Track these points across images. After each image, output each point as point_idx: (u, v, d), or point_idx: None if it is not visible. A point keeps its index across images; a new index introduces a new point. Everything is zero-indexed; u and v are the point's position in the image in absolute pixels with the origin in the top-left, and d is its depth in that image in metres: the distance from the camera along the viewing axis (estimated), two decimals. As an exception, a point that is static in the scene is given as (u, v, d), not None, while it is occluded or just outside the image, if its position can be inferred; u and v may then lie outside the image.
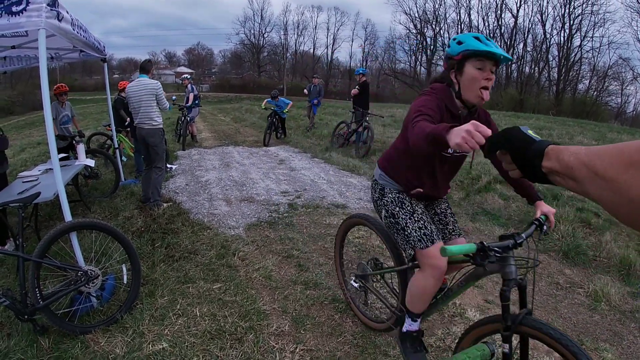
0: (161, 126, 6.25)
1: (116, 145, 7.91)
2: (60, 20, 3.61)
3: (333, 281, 3.96)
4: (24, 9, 3.19)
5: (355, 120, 11.32)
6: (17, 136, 19.79)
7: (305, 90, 15.40)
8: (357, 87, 11.42)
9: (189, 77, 13.12)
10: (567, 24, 54.38)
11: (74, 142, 6.77)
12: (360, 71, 11.87)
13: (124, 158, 8.92)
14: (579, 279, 4.48)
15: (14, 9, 3.16)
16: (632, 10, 46.90)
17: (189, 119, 12.13)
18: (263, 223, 5.61)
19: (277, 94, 13.57)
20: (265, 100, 13.69)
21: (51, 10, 3.37)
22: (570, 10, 53.75)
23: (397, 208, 2.56)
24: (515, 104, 48.45)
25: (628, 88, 53.07)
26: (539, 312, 3.76)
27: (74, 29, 4.18)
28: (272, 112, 13.14)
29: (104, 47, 6.38)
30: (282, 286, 3.86)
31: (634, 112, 55.29)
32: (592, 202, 6.47)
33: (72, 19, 4.05)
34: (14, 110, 44.08)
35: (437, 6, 67.34)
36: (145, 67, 6.40)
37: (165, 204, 6.32)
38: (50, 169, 5.42)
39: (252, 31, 79.11)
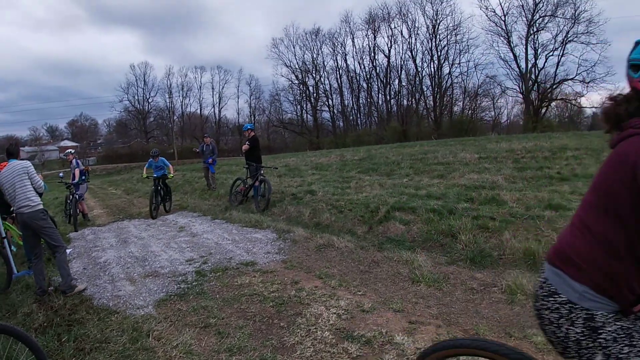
0: (41, 206, 5.83)
1: (3, 235, 7.27)
2: None
3: (257, 341, 3.87)
4: None
5: (250, 175, 11.39)
6: None
7: (196, 150, 15.29)
8: (247, 142, 11.55)
9: (72, 151, 12.48)
10: (436, 56, 60.39)
11: None
12: (248, 127, 12.06)
13: (13, 248, 8.19)
14: (491, 279, 4.81)
15: None
16: (492, 33, 53.22)
17: (77, 196, 11.48)
18: (173, 296, 5.37)
19: (157, 152, 12.50)
20: (145, 166, 12.74)
21: None
22: (437, 43, 59.56)
23: (627, 348, 1.49)
24: (399, 135, 51.62)
25: (499, 101, 60.33)
26: (463, 318, 3.95)
27: None
28: (155, 178, 11.95)
29: None
30: (206, 358, 3.71)
31: (508, 121, 62.92)
32: (485, 208, 7.03)
33: None
34: None
35: (315, 56, 70.51)
36: (12, 151, 6.01)
37: (80, 286, 5.92)
38: None
39: (136, 97, 77.38)
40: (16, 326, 3.22)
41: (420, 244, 6.41)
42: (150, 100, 78.10)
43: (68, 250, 8.20)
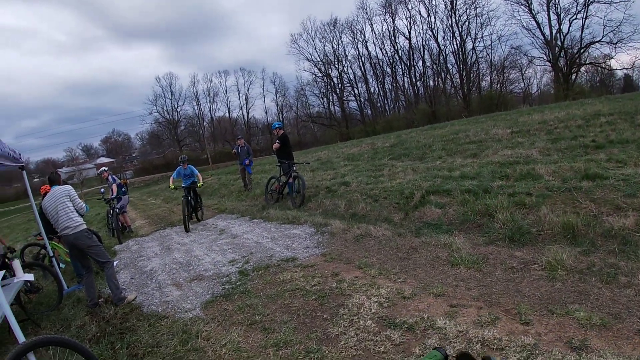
0: (84, 226, 6.10)
1: (51, 254, 7.61)
2: None
3: (302, 334, 3.97)
4: None
5: (283, 172, 11.48)
6: None
7: (234, 152, 15.49)
8: (277, 141, 11.65)
9: (106, 169, 12.87)
10: (457, 32, 59.03)
11: (7, 259, 6.49)
12: (277, 125, 12.15)
13: (61, 265, 8.53)
14: (530, 257, 4.76)
15: None
16: (511, 2, 51.31)
17: (117, 210, 11.84)
18: (218, 297, 5.53)
19: (186, 158, 12.09)
20: (172, 177, 12.04)
21: None
22: (457, 18, 58.16)
23: None
24: (429, 117, 50.95)
25: (527, 72, 58.28)
26: (504, 298, 3.94)
27: None
28: (184, 188, 11.56)
29: (20, 154, 6.27)
30: (254, 355, 3.81)
31: (539, 91, 60.63)
32: (521, 184, 6.92)
33: None
34: None
35: (335, 46, 70.24)
36: (53, 179, 6.33)
37: (130, 297, 6.19)
38: None
39: (165, 108, 79.05)
40: (71, 338, 3.39)
41: (457, 227, 6.38)
42: (179, 110, 79.72)
43: (115, 262, 8.51)
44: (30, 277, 6.02)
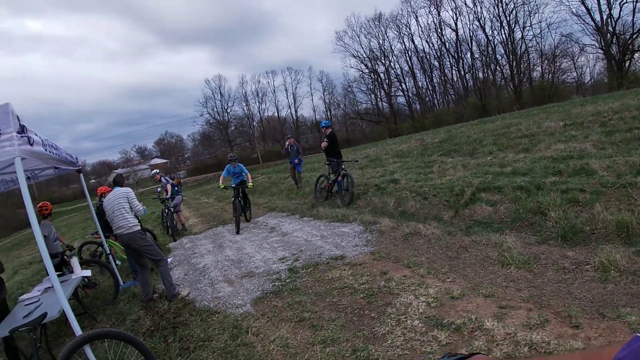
0: (138, 227, 6.40)
1: (108, 251, 8.01)
2: (32, 145, 3.78)
3: (349, 332, 4.03)
4: None
5: (332, 171, 11.53)
6: (7, 259, 19.69)
7: (283, 151, 15.67)
8: (325, 139, 11.71)
9: (157, 171, 13.38)
10: (505, 21, 57.16)
11: (66, 256, 6.86)
12: (324, 124, 12.20)
13: (117, 262, 8.94)
14: (583, 257, 4.63)
15: None
16: None
17: (172, 209, 12.25)
18: (268, 294, 5.66)
19: (235, 157, 11.74)
20: (221, 176, 11.77)
21: (22, 137, 3.55)
22: (504, 7, 56.36)
23: None
24: (479, 111, 49.73)
25: (579, 60, 55.73)
26: (554, 300, 3.85)
27: (45, 149, 4.37)
28: (234, 189, 11.28)
29: (77, 158, 6.63)
30: (302, 351, 3.90)
31: (592, 80, 57.71)
32: (574, 180, 6.70)
33: (42, 141, 4.24)
34: None
35: (381, 42, 69.75)
36: (117, 181, 6.69)
37: (183, 292, 6.45)
38: (49, 287, 5.51)
39: (215, 109, 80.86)
40: (125, 332, 3.56)
41: (508, 225, 6.26)
42: (229, 111, 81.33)
43: (169, 259, 8.84)
44: (87, 273, 6.40)
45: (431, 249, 6.03)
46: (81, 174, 7.48)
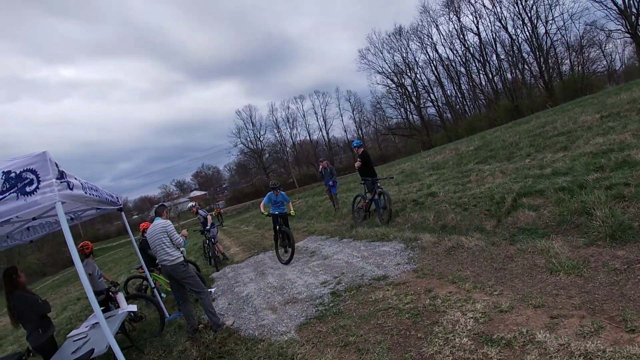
0: (181, 259, 6.47)
1: (152, 285, 8.16)
2: (72, 189, 3.97)
3: (396, 354, 3.93)
4: (37, 188, 3.53)
5: (368, 190, 11.44)
6: (56, 295, 20.36)
7: (318, 174, 15.76)
8: (358, 159, 11.68)
9: (194, 204, 13.70)
10: (526, 18, 56.35)
11: (111, 292, 7.03)
12: (356, 144, 12.18)
13: (163, 295, 9.09)
14: (634, 255, 4.44)
15: (27, 189, 3.50)
16: None
17: (213, 240, 12.41)
18: (312, 319, 5.60)
19: (278, 184, 10.74)
20: (262, 203, 10.86)
21: (61, 182, 3.73)
22: (524, 4, 55.57)
23: None
24: (512, 112, 48.91)
25: (607, 48, 54.20)
26: (608, 304, 3.69)
27: (86, 192, 4.56)
28: (275, 217, 10.67)
29: (117, 197, 6.85)
30: (349, 377, 3.82)
31: (623, 66, 56.07)
32: (617, 175, 6.43)
33: (82, 184, 4.44)
34: (46, 271, 45.67)
35: (404, 55, 69.83)
36: (158, 211, 6.79)
37: (228, 322, 6.48)
38: (96, 323, 5.72)
39: (248, 139, 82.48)
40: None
41: (554, 229, 6.04)
42: (261, 139, 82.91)
43: (212, 290, 8.95)
44: (133, 308, 6.55)
45: (476, 262, 5.87)
46: (122, 212, 7.71)
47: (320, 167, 15.61)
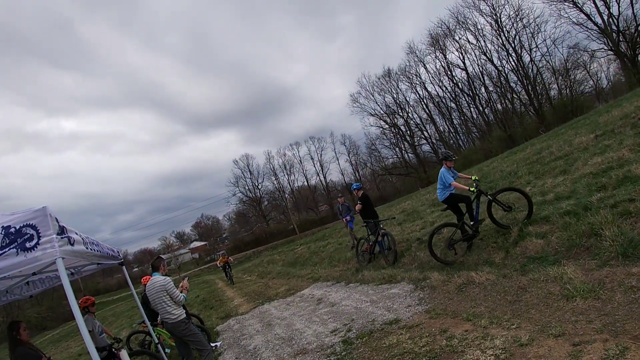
0: (182, 317, 6.30)
1: (156, 341, 7.94)
2: (72, 244, 3.90)
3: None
4: (37, 244, 3.46)
5: (371, 232, 11.36)
6: (56, 350, 20.04)
7: (336, 211, 15.98)
8: (358, 202, 11.66)
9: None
10: (511, 48, 57.62)
11: (114, 349, 6.83)
12: (355, 187, 12.23)
13: (167, 350, 8.86)
14: (650, 272, 4.33)
15: (27, 245, 3.44)
16: (554, 2, 49.37)
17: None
18: (325, 371, 5.39)
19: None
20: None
21: (62, 238, 3.66)
22: (506, 35, 56.93)
23: None
24: (506, 142, 49.31)
25: (592, 67, 55.18)
26: (629, 324, 3.59)
27: (87, 248, 4.52)
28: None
29: (118, 251, 6.80)
30: None
31: (610, 84, 57.03)
32: (620, 192, 6.36)
33: (83, 239, 4.38)
34: (46, 325, 45.00)
35: (395, 95, 71.06)
36: (155, 265, 6.63)
37: None
38: None
39: (246, 187, 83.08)
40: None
41: (564, 254, 5.91)
42: (259, 187, 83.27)
43: (218, 343, 8.73)
44: None
45: (489, 297, 5.71)
46: (124, 267, 7.65)
47: (339, 203, 15.83)
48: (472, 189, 7.92)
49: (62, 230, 3.70)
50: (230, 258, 23.71)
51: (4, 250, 3.38)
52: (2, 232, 3.42)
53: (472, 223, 8.11)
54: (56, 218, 3.66)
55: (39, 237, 3.47)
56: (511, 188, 8.71)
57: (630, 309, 3.80)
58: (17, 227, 3.45)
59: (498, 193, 8.20)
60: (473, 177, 8.17)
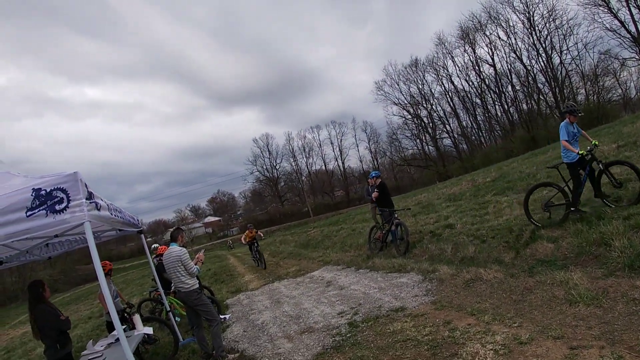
0: (195, 287, 6.50)
1: (168, 309, 8.16)
2: (99, 210, 4.11)
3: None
4: (67, 207, 3.66)
5: (385, 220, 11.47)
6: (66, 312, 20.26)
7: (365, 193, 15.68)
8: (375, 189, 11.73)
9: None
10: (541, 48, 56.30)
11: (126, 314, 7.08)
12: (373, 175, 12.29)
13: (177, 318, 9.09)
14: (653, 285, 4.41)
15: (57, 207, 3.63)
16: (589, 5, 48.18)
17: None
18: (329, 350, 5.59)
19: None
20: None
21: (90, 203, 3.86)
22: (538, 35, 55.72)
23: None
24: (528, 143, 48.52)
25: (622, 76, 53.33)
26: (627, 334, 3.69)
27: (111, 214, 4.74)
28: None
29: (138, 220, 6.95)
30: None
31: (638, 94, 54.86)
32: (635, 205, 6.37)
33: (107, 205, 4.60)
34: (57, 287, 45.73)
35: (420, 86, 70.21)
36: (174, 236, 6.81)
37: (230, 355, 6.47)
38: (112, 343, 5.92)
39: (264, 167, 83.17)
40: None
41: (572, 261, 6.01)
42: (277, 167, 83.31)
43: (227, 316, 8.95)
44: (149, 330, 6.63)
45: (494, 294, 5.85)
46: (142, 235, 7.91)
47: (368, 184, 15.46)
48: (581, 152, 7.20)
49: (90, 196, 3.89)
50: (260, 233, 18.84)
51: (34, 212, 3.56)
52: (33, 194, 3.59)
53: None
54: (85, 184, 3.85)
55: (68, 201, 3.64)
56: (629, 163, 7.29)
57: (630, 320, 3.91)
58: (48, 190, 3.63)
59: (612, 164, 7.41)
60: (594, 142, 7.51)
